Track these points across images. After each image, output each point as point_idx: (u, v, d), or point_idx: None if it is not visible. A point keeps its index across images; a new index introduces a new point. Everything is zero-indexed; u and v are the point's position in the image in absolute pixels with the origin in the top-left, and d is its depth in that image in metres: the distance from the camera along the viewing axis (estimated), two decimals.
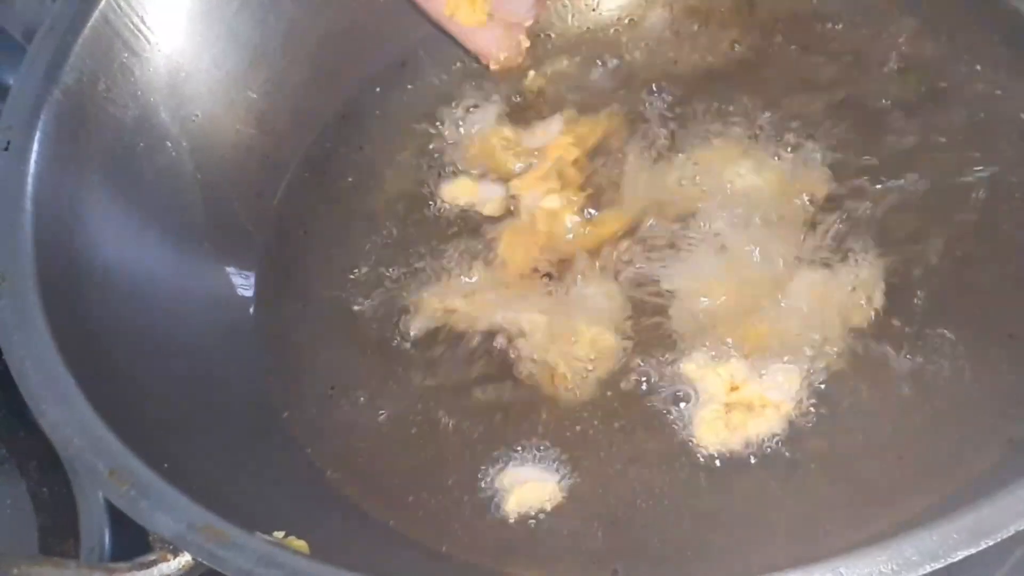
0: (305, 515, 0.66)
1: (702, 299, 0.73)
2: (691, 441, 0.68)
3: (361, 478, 0.72)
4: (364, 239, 0.84)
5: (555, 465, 0.69)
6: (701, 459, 0.67)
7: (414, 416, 0.74)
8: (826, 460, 0.66)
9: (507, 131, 0.87)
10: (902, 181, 0.76)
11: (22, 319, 0.64)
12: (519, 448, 0.70)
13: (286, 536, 0.57)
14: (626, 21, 0.93)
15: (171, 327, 0.75)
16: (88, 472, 0.59)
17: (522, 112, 0.89)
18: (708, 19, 0.91)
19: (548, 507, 0.68)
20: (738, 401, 0.68)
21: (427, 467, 0.72)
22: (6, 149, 0.72)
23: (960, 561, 0.47)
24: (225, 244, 0.84)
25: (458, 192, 0.85)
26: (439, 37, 0.92)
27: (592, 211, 0.81)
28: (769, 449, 0.67)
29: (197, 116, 0.84)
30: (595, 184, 0.82)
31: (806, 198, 0.76)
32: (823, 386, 0.68)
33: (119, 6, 0.79)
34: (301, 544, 0.57)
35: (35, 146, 0.72)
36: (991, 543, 0.47)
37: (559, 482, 0.68)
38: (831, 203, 0.76)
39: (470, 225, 0.83)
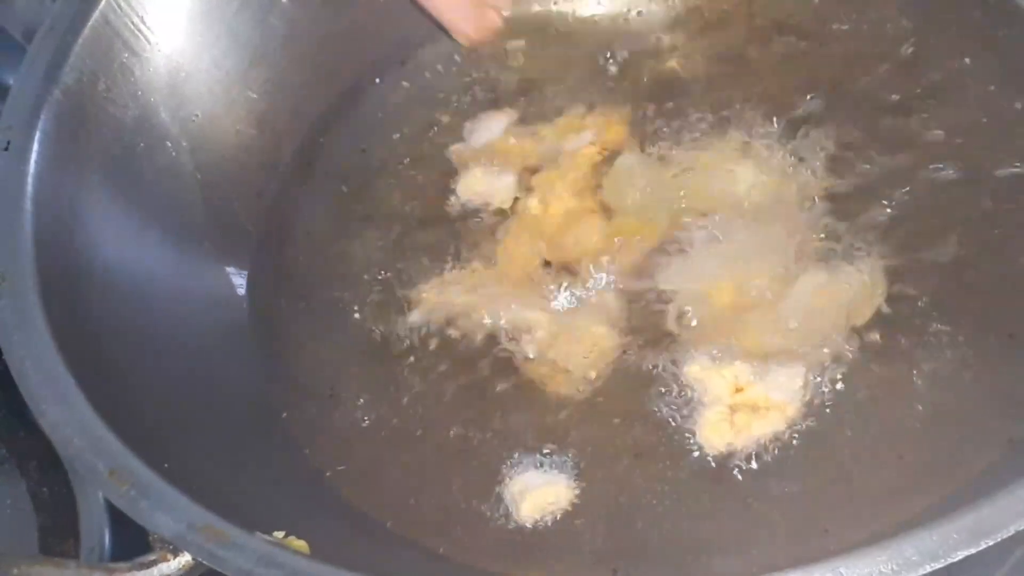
0: (305, 515, 0.66)
1: (704, 300, 0.73)
2: (693, 441, 0.68)
3: (361, 479, 0.72)
4: (364, 239, 0.84)
5: (557, 466, 0.69)
6: (702, 459, 0.67)
7: (414, 416, 0.74)
8: (826, 460, 0.66)
9: (510, 130, 0.87)
10: (903, 181, 0.76)
11: (22, 319, 0.64)
12: (521, 450, 0.70)
13: (286, 536, 0.57)
14: (626, 21, 0.93)
15: (171, 327, 0.75)
16: (88, 472, 0.59)
17: (523, 112, 0.89)
18: (708, 19, 0.91)
19: (564, 508, 0.67)
20: (742, 402, 0.68)
21: (427, 468, 0.72)
22: (6, 149, 0.72)
23: (960, 561, 0.47)
24: (225, 244, 0.84)
25: (469, 185, 0.85)
26: (439, 36, 0.92)
27: (596, 212, 0.81)
28: (770, 449, 0.67)
29: (197, 116, 0.84)
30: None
31: (807, 198, 0.76)
32: (824, 387, 0.68)
33: (119, 6, 0.79)
34: (301, 544, 0.57)
35: (35, 146, 0.72)
36: (991, 543, 0.47)
37: (569, 482, 0.68)
38: (832, 203, 0.76)
39: (471, 224, 0.83)
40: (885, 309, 0.70)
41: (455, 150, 0.87)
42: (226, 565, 0.53)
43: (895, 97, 0.80)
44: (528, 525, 0.67)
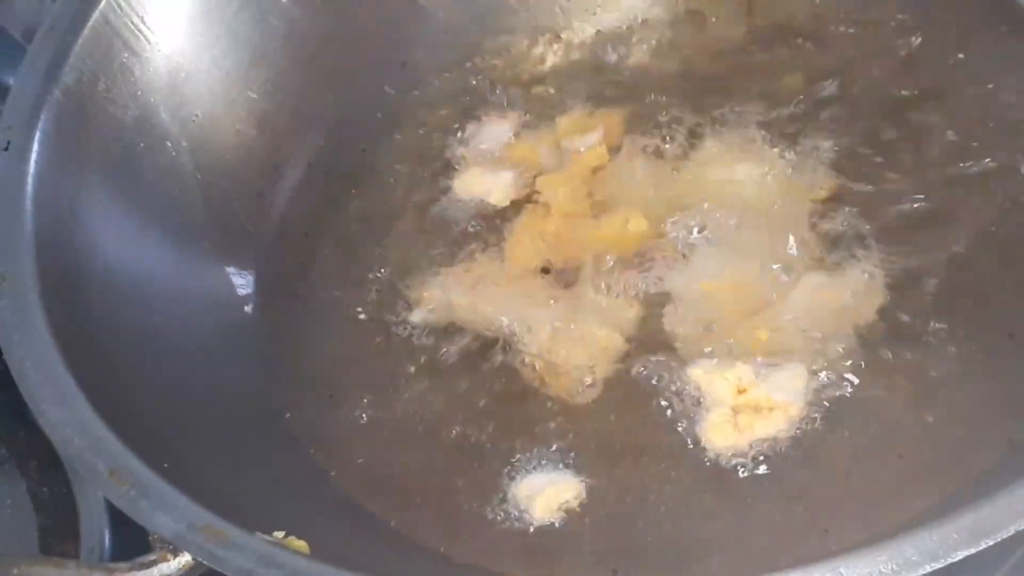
0: (305, 515, 0.65)
1: (705, 301, 0.73)
2: (694, 441, 0.68)
3: (362, 478, 0.72)
4: (365, 239, 0.84)
5: (562, 465, 0.69)
6: (703, 459, 0.67)
7: (416, 416, 0.74)
8: (827, 460, 0.66)
9: (514, 137, 0.87)
10: (903, 181, 0.76)
11: (22, 319, 0.64)
12: (522, 450, 0.70)
13: (286, 536, 0.57)
14: (627, 23, 0.93)
15: (171, 327, 0.75)
16: (88, 472, 0.59)
17: (524, 113, 0.89)
18: (709, 20, 0.91)
19: (576, 505, 0.67)
20: (745, 404, 0.68)
21: (429, 468, 0.72)
22: (6, 149, 0.72)
23: (960, 561, 0.47)
24: (225, 244, 0.84)
25: (468, 184, 0.85)
26: (439, 37, 0.92)
27: (599, 212, 0.81)
28: (770, 450, 0.67)
29: (197, 116, 0.84)
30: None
31: (808, 198, 0.76)
32: (825, 387, 0.68)
33: (119, 6, 0.79)
34: (301, 544, 0.57)
35: (35, 146, 0.72)
36: (991, 543, 0.47)
37: (577, 479, 0.68)
38: (833, 203, 0.76)
39: (472, 223, 0.83)
40: (885, 310, 0.70)
41: (456, 150, 0.87)
42: (226, 565, 0.53)
43: (895, 97, 0.81)
44: (535, 525, 0.67)
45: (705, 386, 0.69)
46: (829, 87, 0.82)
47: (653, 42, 0.90)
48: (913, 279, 0.71)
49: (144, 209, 0.79)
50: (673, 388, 0.70)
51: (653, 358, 0.72)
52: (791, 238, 0.75)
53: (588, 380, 0.72)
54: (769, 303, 0.72)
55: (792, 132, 0.80)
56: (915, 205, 0.75)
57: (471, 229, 0.82)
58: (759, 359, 0.69)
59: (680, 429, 0.69)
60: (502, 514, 0.68)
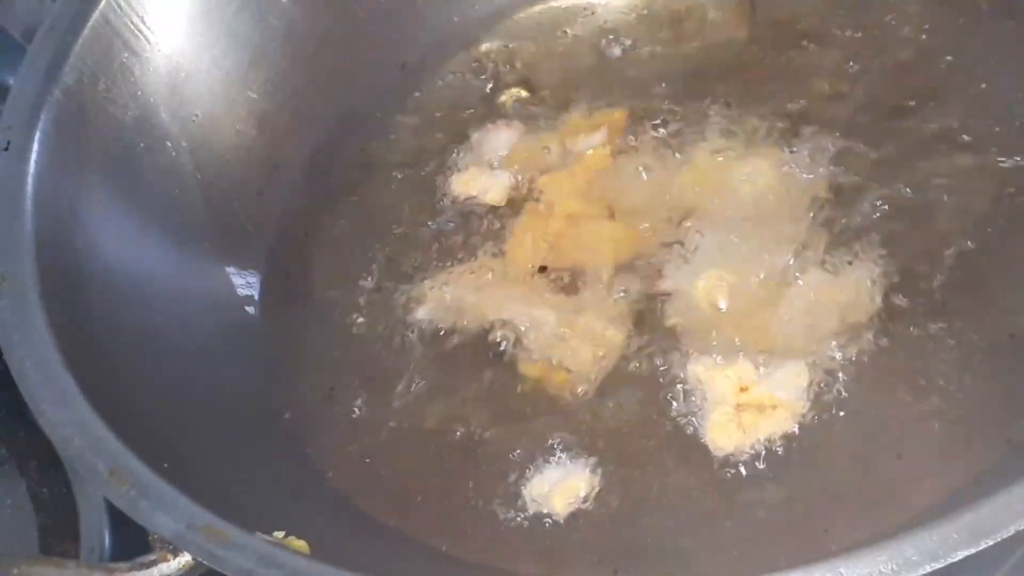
0: (305, 515, 0.65)
1: (705, 300, 0.73)
2: (695, 440, 0.68)
3: (362, 478, 0.72)
4: (365, 238, 0.84)
5: (569, 460, 0.69)
6: (703, 459, 0.67)
7: (417, 415, 0.74)
8: (826, 460, 0.66)
9: (512, 136, 0.87)
10: (904, 180, 0.76)
11: (22, 319, 0.64)
12: (522, 449, 0.70)
13: (286, 536, 0.57)
14: (629, 22, 0.93)
15: (171, 327, 0.75)
16: (88, 472, 0.59)
17: (524, 112, 0.89)
18: (710, 19, 0.91)
19: (593, 496, 0.67)
20: (748, 402, 0.68)
21: (428, 467, 0.72)
22: (6, 149, 0.72)
23: (960, 561, 0.47)
24: (225, 244, 0.84)
25: (465, 184, 0.85)
26: (439, 38, 0.92)
27: (600, 212, 0.81)
28: (769, 449, 0.67)
29: (197, 116, 0.84)
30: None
31: (808, 197, 0.76)
32: (824, 386, 0.68)
33: (119, 6, 0.79)
34: (301, 544, 0.57)
35: (35, 146, 0.72)
36: (991, 543, 0.47)
37: (588, 471, 0.68)
38: (833, 202, 0.76)
39: (472, 223, 0.83)
40: (885, 309, 0.70)
41: (455, 150, 0.87)
42: (226, 565, 0.53)
43: (896, 96, 0.80)
44: (527, 525, 0.67)
45: (707, 384, 0.69)
46: (831, 86, 0.82)
47: (655, 42, 0.90)
48: (913, 278, 0.71)
49: (144, 209, 0.79)
50: (674, 387, 0.70)
51: (654, 357, 0.72)
52: (792, 237, 0.75)
53: (589, 379, 0.72)
54: (769, 302, 0.72)
55: (793, 131, 0.80)
56: (915, 204, 0.74)
57: (472, 229, 0.82)
58: (760, 357, 0.69)
59: (681, 428, 0.69)
60: (502, 513, 0.68)
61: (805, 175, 0.78)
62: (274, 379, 0.78)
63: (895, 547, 0.47)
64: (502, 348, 0.75)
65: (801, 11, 0.88)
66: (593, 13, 0.94)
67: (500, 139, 0.87)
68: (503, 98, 0.90)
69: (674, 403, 0.70)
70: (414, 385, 0.75)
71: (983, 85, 0.79)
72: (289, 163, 0.90)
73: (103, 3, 0.78)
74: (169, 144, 0.82)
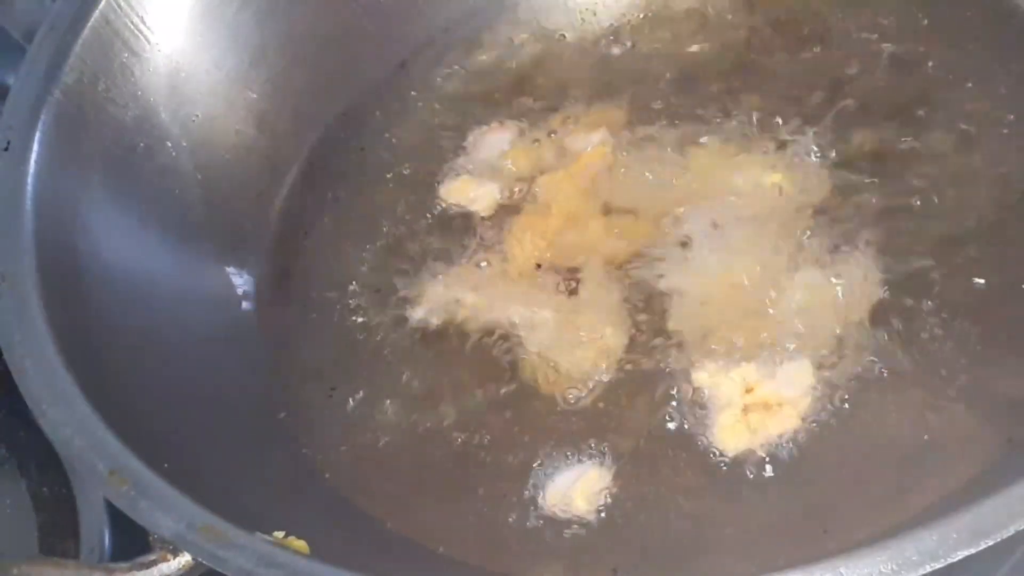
0: (305, 515, 0.65)
1: (706, 299, 0.73)
2: (694, 441, 0.68)
3: (361, 478, 0.72)
4: (365, 239, 0.84)
5: (578, 459, 0.69)
6: (703, 459, 0.67)
7: (415, 416, 0.74)
8: (826, 460, 0.66)
9: (509, 138, 0.87)
10: (902, 180, 0.76)
11: (22, 319, 0.64)
12: (524, 448, 0.70)
13: (286, 536, 0.57)
14: (628, 21, 0.93)
15: (171, 327, 0.75)
16: (88, 472, 0.59)
17: (523, 111, 0.89)
18: (710, 19, 0.91)
19: (613, 489, 0.67)
20: (754, 402, 0.68)
21: (427, 468, 0.72)
22: (6, 149, 0.72)
23: (960, 561, 0.47)
24: (225, 244, 0.84)
25: (452, 192, 0.85)
26: (439, 38, 0.92)
27: (600, 212, 0.81)
28: (772, 449, 0.67)
29: (197, 116, 0.84)
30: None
31: (808, 197, 0.76)
32: (824, 387, 0.68)
33: (119, 6, 0.79)
34: (301, 544, 0.57)
35: (35, 146, 0.72)
36: (991, 543, 0.47)
37: (599, 466, 0.68)
38: (831, 202, 0.76)
39: (472, 223, 0.83)
40: (884, 308, 0.70)
41: (455, 152, 0.87)
42: (226, 565, 0.53)
43: (896, 96, 0.80)
44: (527, 525, 0.67)
45: (711, 387, 0.69)
46: (829, 87, 0.82)
47: (655, 42, 0.90)
48: (912, 278, 0.71)
49: (144, 209, 0.79)
50: (675, 387, 0.70)
51: (655, 357, 0.72)
52: (791, 236, 0.75)
53: (589, 380, 0.72)
54: (770, 302, 0.72)
55: (792, 131, 0.80)
56: (915, 203, 0.74)
57: (471, 229, 0.82)
58: (762, 356, 0.69)
59: (682, 428, 0.69)
60: (502, 514, 0.68)
61: (804, 175, 0.78)
62: (274, 379, 0.78)
63: (895, 547, 0.47)
64: (502, 350, 0.75)
65: (801, 11, 0.88)
66: (594, 13, 0.94)
67: (499, 139, 0.87)
68: (503, 98, 0.90)
69: (674, 403, 0.70)
70: (413, 385, 0.75)
71: (983, 85, 0.79)
72: (289, 163, 0.90)
73: (103, 3, 0.78)
74: (169, 144, 0.82)
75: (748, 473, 0.66)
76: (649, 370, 0.71)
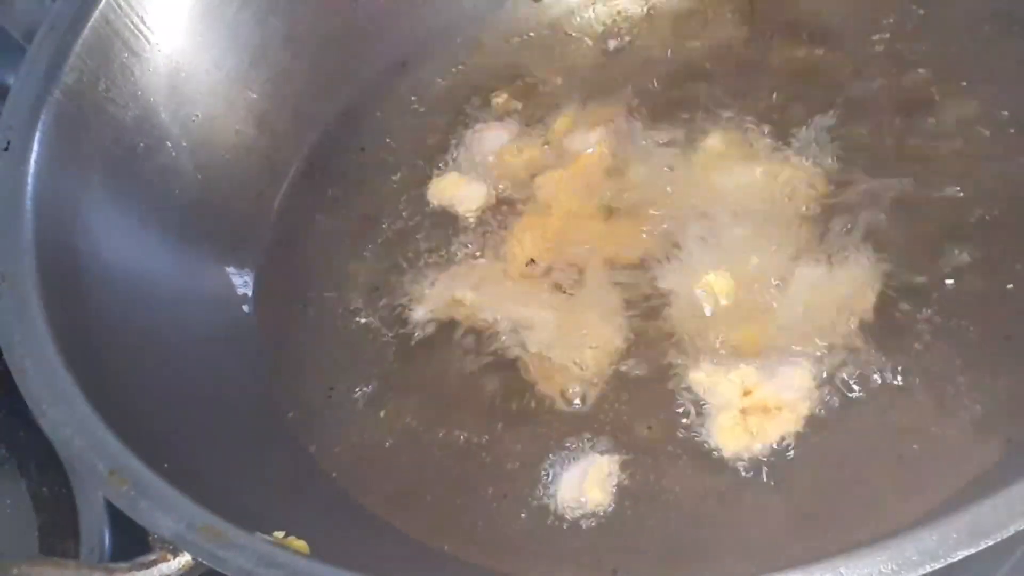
0: (305, 515, 0.65)
1: (704, 299, 0.73)
2: (694, 441, 0.68)
3: (362, 478, 0.72)
4: (365, 239, 0.84)
5: (579, 453, 0.69)
6: (703, 459, 0.67)
7: (417, 415, 0.74)
8: (826, 460, 0.66)
9: (507, 137, 0.87)
10: (900, 181, 0.76)
11: (22, 319, 0.64)
12: (524, 448, 0.70)
13: (286, 536, 0.57)
14: (628, 21, 0.93)
15: (171, 327, 0.75)
16: (88, 472, 0.59)
17: (522, 111, 0.89)
18: (708, 19, 0.91)
19: (624, 479, 0.67)
20: (753, 405, 0.68)
21: (430, 467, 0.72)
22: (6, 149, 0.72)
23: (960, 561, 0.47)
24: (225, 244, 0.84)
25: (438, 191, 0.85)
26: (439, 38, 0.92)
27: (599, 211, 0.81)
28: (772, 450, 0.67)
29: (197, 116, 0.84)
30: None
31: (808, 196, 0.76)
32: (823, 387, 0.68)
33: (119, 6, 0.79)
34: (301, 544, 0.57)
35: (35, 146, 0.72)
36: (991, 543, 0.47)
37: (605, 456, 0.68)
38: (830, 202, 0.76)
39: (472, 223, 0.83)
40: (884, 308, 0.70)
41: (454, 152, 0.87)
42: (226, 565, 0.53)
43: (896, 96, 0.80)
44: (527, 525, 0.67)
45: (710, 388, 0.69)
46: (828, 87, 0.82)
47: (654, 41, 0.90)
48: (912, 278, 0.71)
49: (144, 209, 0.79)
50: (675, 388, 0.70)
51: (654, 357, 0.72)
52: (791, 236, 0.75)
53: (589, 380, 0.72)
54: (769, 301, 0.72)
55: (792, 131, 0.80)
56: (915, 203, 0.74)
57: (471, 229, 0.82)
58: (761, 358, 0.69)
59: (682, 428, 0.69)
60: (503, 513, 0.68)
61: (804, 175, 0.78)
62: (274, 379, 0.78)
63: (895, 547, 0.47)
64: (502, 349, 0.75)
65: (801, 11, 0.88)
66: (593, 12, 0.94)
67: (498, 138, 0.87)
68: (502, 97, 0.90)
69: (674, 404, 0.70)
70: (414, 385, 0.75)
71: (983, 85, 0.79)
72: (289, 163, 0.90)
73: (103, 3, 0.78)
74: (169, 144, 0.82)
75: (748, 474, 0.66)
76: (648, 370, 0.71)
